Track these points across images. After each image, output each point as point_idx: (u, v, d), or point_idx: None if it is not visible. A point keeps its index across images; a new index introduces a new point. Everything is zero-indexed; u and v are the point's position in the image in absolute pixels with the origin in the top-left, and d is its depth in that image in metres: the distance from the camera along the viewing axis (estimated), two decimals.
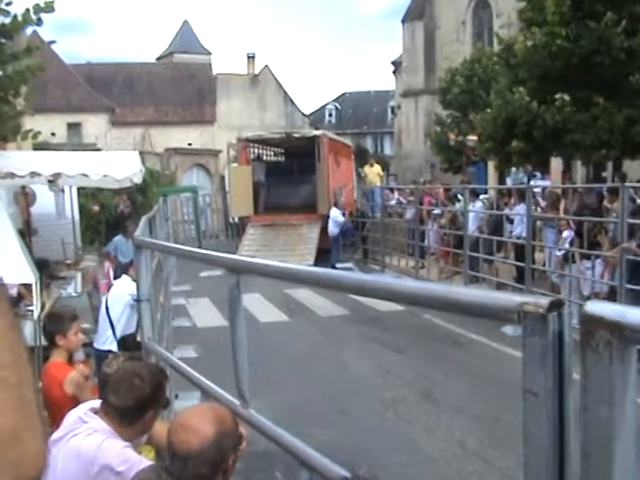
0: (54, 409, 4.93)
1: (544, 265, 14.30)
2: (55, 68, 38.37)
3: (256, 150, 26.68)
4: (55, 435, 3.30)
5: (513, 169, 24.45)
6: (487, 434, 7.97)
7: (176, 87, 52.38)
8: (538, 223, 14.76)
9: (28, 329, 7.75)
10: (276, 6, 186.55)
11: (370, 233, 22.55)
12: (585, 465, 1.19)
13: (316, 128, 41.29)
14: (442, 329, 12.80)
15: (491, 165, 28.45)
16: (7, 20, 9.25)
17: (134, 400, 3.36)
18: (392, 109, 59.70)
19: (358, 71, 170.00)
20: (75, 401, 4.68)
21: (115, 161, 13.10)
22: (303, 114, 58.94)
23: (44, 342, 6.11)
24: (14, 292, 9.01)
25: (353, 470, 2.34)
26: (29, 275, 7.98)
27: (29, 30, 11.48)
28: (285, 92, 56.87)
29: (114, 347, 7.92)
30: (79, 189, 16.14)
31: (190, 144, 47.34)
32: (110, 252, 13.96)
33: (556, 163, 24.98)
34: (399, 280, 2.19)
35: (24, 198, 13.56)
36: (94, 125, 47.23)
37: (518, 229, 14.99)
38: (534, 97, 18.40)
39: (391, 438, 8.10)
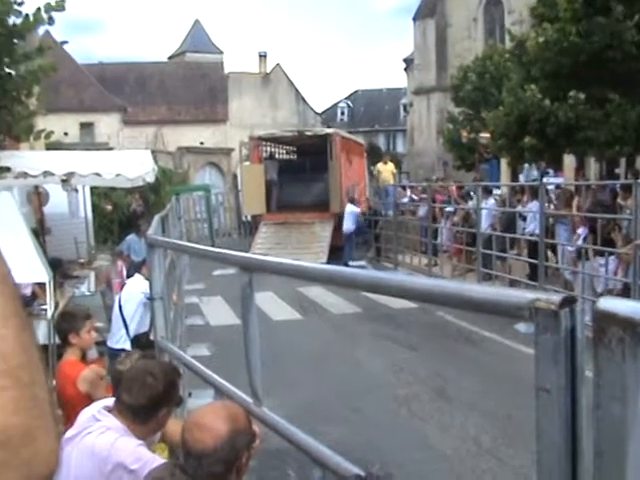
0: (68, 407, 4.95)
1: (557, 262, 14.26)
2: (67, 68, 38.56)
3: (268, 148, 26.70)
4: (69, 433, 3.32)
5: (526, 166, 24.40)
6: (500, 432, 7.96)
7: (188, 86, 52.50)
8: (551, 220, 14.70)
9: (42, 328, 7.80)
10: (287, 5, 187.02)
11: (383, 231, 22.52)
12: (598, 463, 1.18)
13: (328, 126, 41.27)
14: (455, 326, 12.78)
15: (504, 162, 28.43)
16: (19, 20, 9.28)
17: (147, 398, 3.37)
18: (404, 107, 59.74)
19: (370, 69, 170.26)
20: (89, 399, 4.70)
21: (128, 160, 13.13)
22: (315, 112, 59.04)
23: (58, 341, 6.13)
24: (28, 291, 9.06)
25: (367, 468, 2.35)
26: (43, 274, 8.03)
27: (41, 30, 11.54)
28: (297, 90, 56.96)
29: (127, 346, 7.93)
30: (92, 188, 16.18)
31: (202, 143, 47.50)
32: (123, 251, 13.99)
33: (569, 160, 24.89)
34: (412, 278, 2.19)
35: (37, 198, 13.61)
36: (106, 124, 47.44)
37: (531, 226, 14.94)
38: (546, 95, 18.35)
39: (404, 435, 8.10)
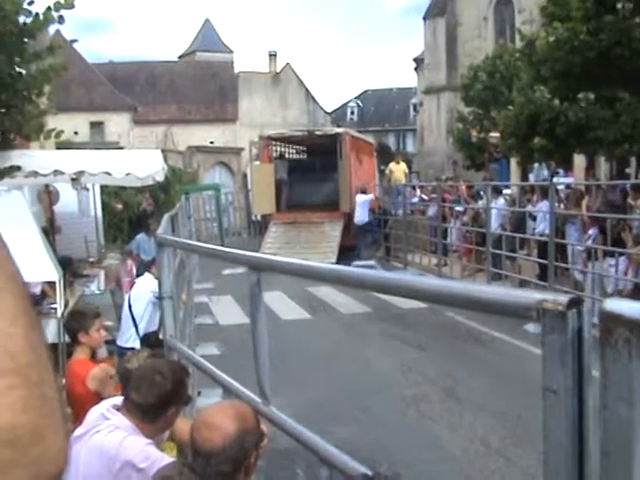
0: (77, 405, 4.97)
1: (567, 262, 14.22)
2: (78, 67, 38.66)
3: (278, 148, 26.72)
4: (77, 432, 3.33)
5: (536, 165, 24.32)
6: (509, 432, 7.95)
7: (198, 85, 52.62)
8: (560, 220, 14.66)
9: (52, 327, 7.82)
10: (297, 4, 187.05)
11: (392, 231, 22.52)
12: (605, 463, 1.18)
13: (338, 126, 41.28)
14: (464, 327, 12.76)
15: (513, 162, 28.32)
16: (29, 19, 9.29)
17: (155, 397, 3.38)
18: (414, 106, 59.61)
19: (380, 68, 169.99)
20: (98, 397, 4.71)
21: (138, 159, 13.16)
22: (325, 112, 59.07)
23: (67, 339, 6.15)
24: (38, 290, 9.09)
25: (375, 468, 2.35)
26: (53, 273, 8.05)
27: (52, 29, 11.54)
28: (307, 90, 57.00)
29: (137, 344, 7.94)
30: (102, 187, 16.21)
31: (212, 142, 47.57)
32: (133, 250, 14.02)
33: (579, 160, 24.80)
34: (421, 278, 2.19)
35: (47, 196, 13.65)
36: (116, 124, 47.56)
37: (541, 226, 14.91)
38: (556, 95, 18.29)
39: (413, 436, 8.09)
